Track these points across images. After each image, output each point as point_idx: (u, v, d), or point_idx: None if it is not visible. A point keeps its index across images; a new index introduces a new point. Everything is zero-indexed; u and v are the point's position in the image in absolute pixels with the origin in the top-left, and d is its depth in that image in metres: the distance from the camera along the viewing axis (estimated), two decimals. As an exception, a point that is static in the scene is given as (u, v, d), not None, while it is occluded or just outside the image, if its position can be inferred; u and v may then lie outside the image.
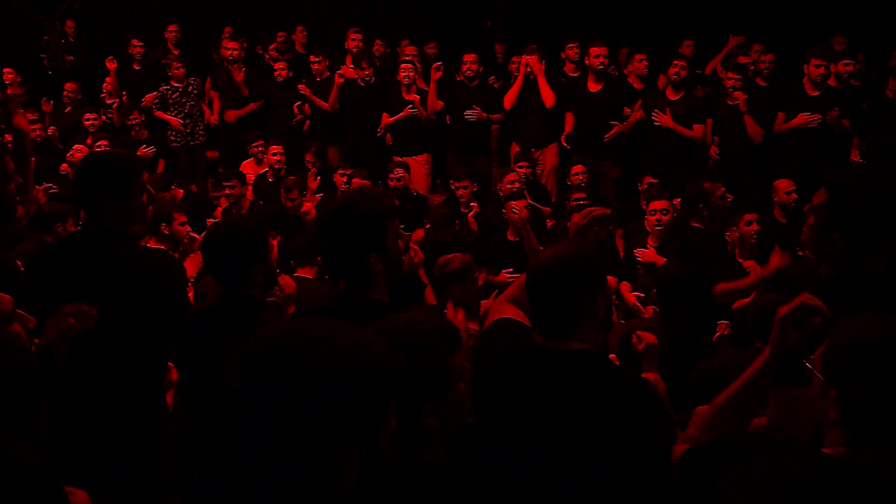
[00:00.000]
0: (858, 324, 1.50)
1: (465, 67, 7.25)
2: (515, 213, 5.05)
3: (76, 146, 7.11)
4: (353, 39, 8.08)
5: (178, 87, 8.11)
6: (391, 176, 6.64)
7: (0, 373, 1.62)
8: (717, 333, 4.06)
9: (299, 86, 7.76)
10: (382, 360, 1.25)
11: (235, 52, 8.15)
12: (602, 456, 1.90)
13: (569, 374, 1.97)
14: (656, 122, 6.62)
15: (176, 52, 8.64)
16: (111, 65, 8.29)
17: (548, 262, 2.03)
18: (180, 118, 8.10)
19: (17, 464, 1.51)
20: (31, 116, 7.64)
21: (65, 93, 8.46)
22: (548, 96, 6.94)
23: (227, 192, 6.42)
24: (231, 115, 8.18)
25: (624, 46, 8.06)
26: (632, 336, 3.86)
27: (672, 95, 6.70)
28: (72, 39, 9.50)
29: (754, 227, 4.88)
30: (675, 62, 6.65)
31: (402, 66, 7.33)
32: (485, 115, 7.24)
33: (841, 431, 1.47)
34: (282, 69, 7.98)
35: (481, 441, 2.09)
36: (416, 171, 7.22)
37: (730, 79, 6.51)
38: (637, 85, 7.09)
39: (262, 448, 1.20)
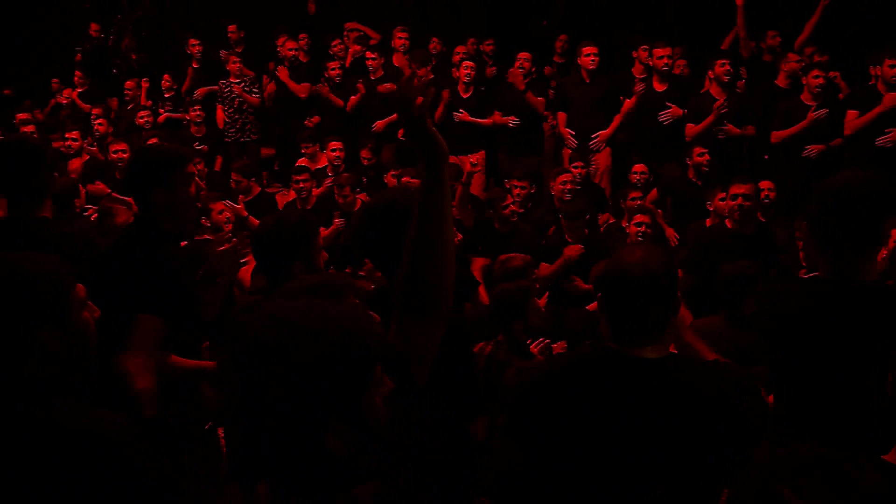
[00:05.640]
0: None
1: (517, 65, 7.25)
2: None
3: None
4: (400, 38, 8.08)
5: (233, 83, 8.22)
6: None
7: (73, 356, 1.64)
8: None
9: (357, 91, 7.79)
10: (369, 334, 1.33)
11: (290, 53, 8.23)
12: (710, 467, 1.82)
13: (669, 384, 1.85)
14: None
15: (238, 51, 8.77)
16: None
17: (635, 266, 1.88)
18: (230, 112, 8.20)
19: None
20: (96, 112, 7.85)
21: (125, 90, 8.68)
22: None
23: (300, 185, 6.45)
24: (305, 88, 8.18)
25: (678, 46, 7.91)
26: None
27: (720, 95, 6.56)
28: (136, 39, 9.77)
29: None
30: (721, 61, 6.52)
31: (464, 63, 7.31)
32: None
33: None
34: (335, 69, 8.02)
35: (542, 459, 1.96)
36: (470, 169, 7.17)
37: (817, 77, 6.21)
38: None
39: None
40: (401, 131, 7.63)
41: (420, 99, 1.61)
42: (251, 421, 1.28)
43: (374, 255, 2.30)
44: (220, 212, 5.35)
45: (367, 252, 2.34)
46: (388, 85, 7.68)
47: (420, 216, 1.62)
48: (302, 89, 8.14)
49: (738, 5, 6.88)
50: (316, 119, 8.03)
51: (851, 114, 6.08)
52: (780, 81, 6.76)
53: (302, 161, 7.44)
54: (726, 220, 4.70)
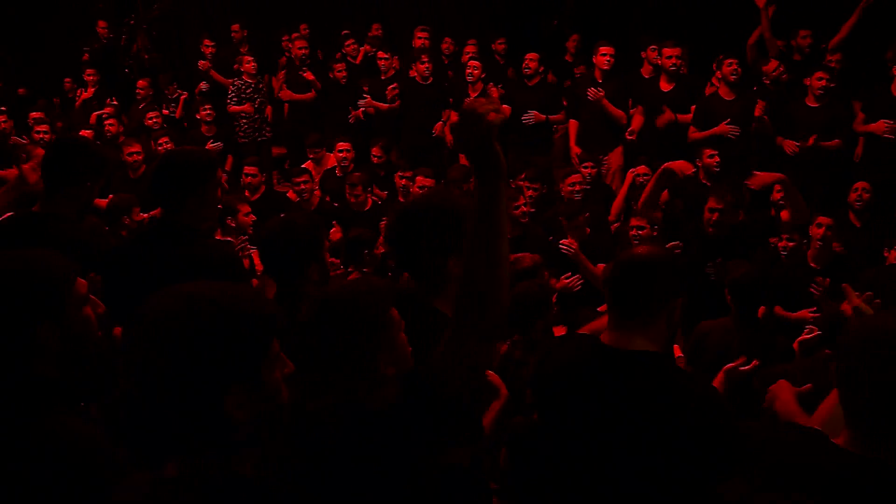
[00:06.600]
0: (864, 324, 1.58)
1: (523, 65, 7.25)
2: (566, 250, 4.99)
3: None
4: (420, 38, 8.10)
5: (251, 83, 8.22)
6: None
7: (71, 353, 1.63)
8: (804, 337, 3.89)
9: (360, 101, 7.78)
10: (258, 305, 1.37)
11: (301, 52, 8.24)
12: (659, 461, 1.86)
13: (631, 375, 1.92)
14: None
15: (243, 51, 8.79)
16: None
17: (635, 254, 2.04)
18: (247, 112, 8.22)
19: (79, 442, 1.54)
20: (107, 110, 7.87)
21: (137, 90, 8.71)
22: (619, 116, 6.92)
23: (301, 187, 6.46)
24: (286, 94, 8.24)
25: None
26: (706, 339, 3.74)
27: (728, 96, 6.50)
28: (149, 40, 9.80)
29: (823, 230, 4.81)
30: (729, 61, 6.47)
31: (469, 63, 7.31)
32: (543, 116, 7.19)
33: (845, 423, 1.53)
34: (340, 70, 8.01)
35: (544, 439, 2.05)
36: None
37: (820, 79, 6.20)
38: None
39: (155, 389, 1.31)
40: (406, 130, 7.63)
41: (493, 116, 1.59)
42: (151, 395, 1.33)
43: (408, 258, 2.25)
44: (247, 214, 5.37)
45: (400, 254, 2.31)
46: (363, 101, 7.71)
47: (476, 233, 1.60)
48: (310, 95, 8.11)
49: (760, 7, 6.81)
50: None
51: (861, 115, 6.15)
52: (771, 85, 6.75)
53: (308, 165, 7.43)
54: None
